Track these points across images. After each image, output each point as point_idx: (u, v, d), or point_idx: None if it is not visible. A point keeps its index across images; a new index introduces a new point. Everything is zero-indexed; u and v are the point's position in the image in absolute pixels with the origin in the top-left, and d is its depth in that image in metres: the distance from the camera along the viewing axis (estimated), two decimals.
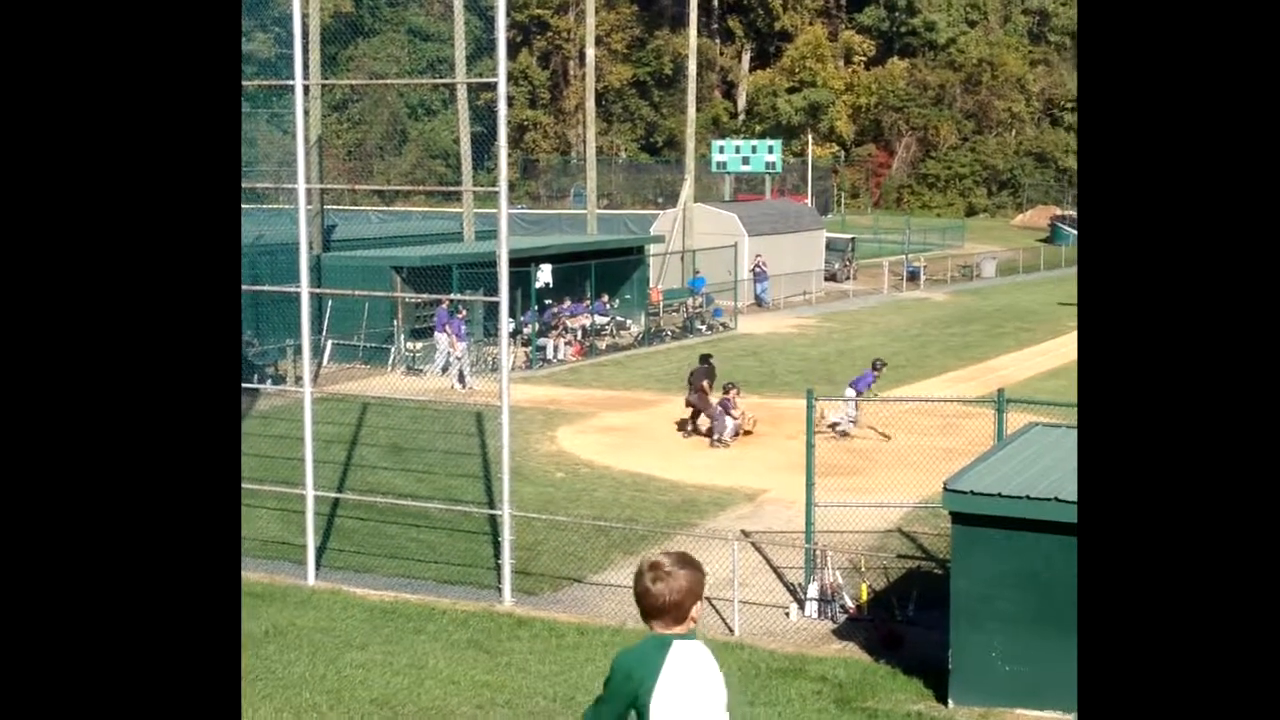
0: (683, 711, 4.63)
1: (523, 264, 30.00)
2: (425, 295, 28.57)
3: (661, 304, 39.35)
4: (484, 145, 36.03)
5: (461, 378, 28.17)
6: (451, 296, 28.19)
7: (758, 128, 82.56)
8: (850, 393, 23.29)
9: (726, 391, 23.70)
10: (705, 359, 25.12)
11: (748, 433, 23.56)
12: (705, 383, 24.25)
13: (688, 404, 24.44)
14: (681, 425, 24.38)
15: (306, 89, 17.62)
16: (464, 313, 29.27)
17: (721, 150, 56.98)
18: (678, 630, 4.68)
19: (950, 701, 12.09)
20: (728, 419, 23.39)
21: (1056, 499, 11.40)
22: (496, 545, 15.88)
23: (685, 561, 4.72)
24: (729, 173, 57.38)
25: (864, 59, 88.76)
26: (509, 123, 16.12)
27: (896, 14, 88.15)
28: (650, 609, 4.67)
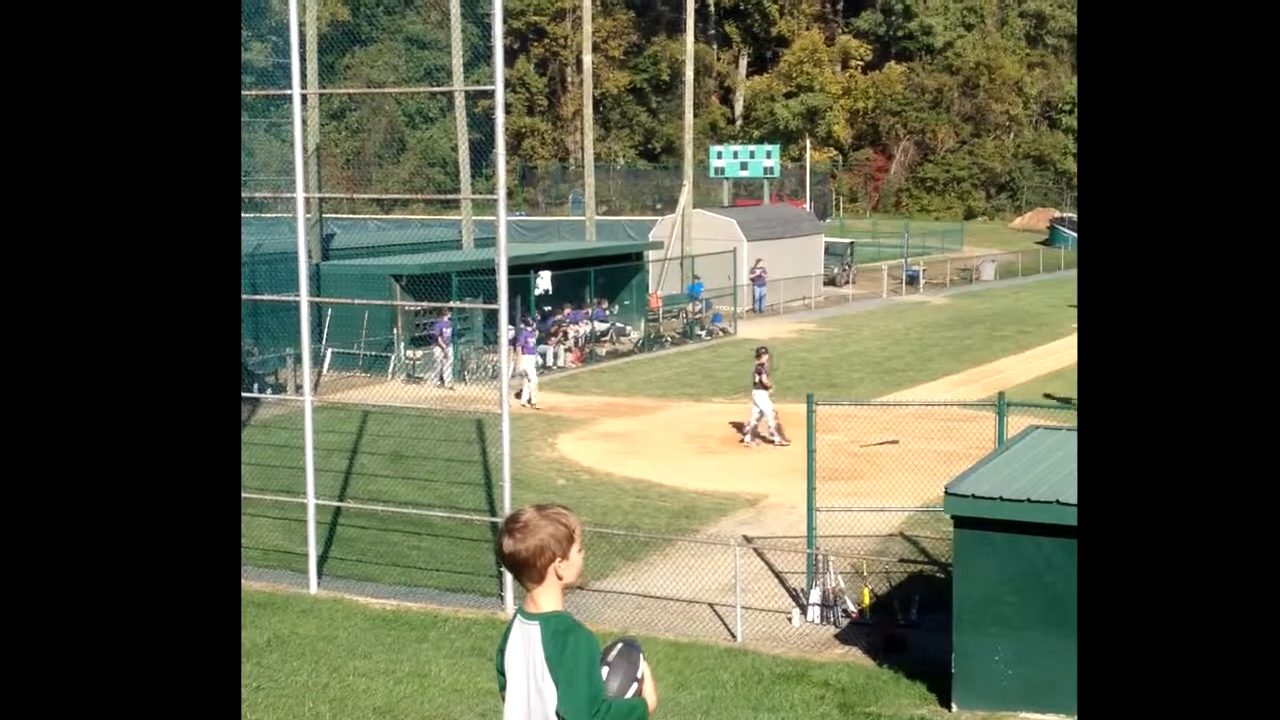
0: (509, 689, 4.52)
1: (522, 271, 30.00)
2: (425, 303, 28.58)
3: (661, 310, 39.37)
4: (482, 152, 36.04)
5: (521, 393, 27.28)
6: (451, 305, 28.19)
7: (755, 133, 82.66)
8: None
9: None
10: None
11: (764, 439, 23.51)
12: None
13: None
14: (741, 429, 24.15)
15: (304, 98, 17.64)
16: (531, 325, 29.30)
17: (719, 156, 57.00)
18: (539, 590, 4.45)
19: (954, 705, 12.07)
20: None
21: (1058, 502, 11.39)
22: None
23: (549, 516, 4.43)
24: (727, 178, 57.40)
25: (861, 63, 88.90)
26: (507, 130, 16.12)
27: (893, 18, 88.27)
28: (507, 566, 4.49)
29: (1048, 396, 25.36)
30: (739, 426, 24.03)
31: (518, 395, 27.14)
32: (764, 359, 23.34)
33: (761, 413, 23.24)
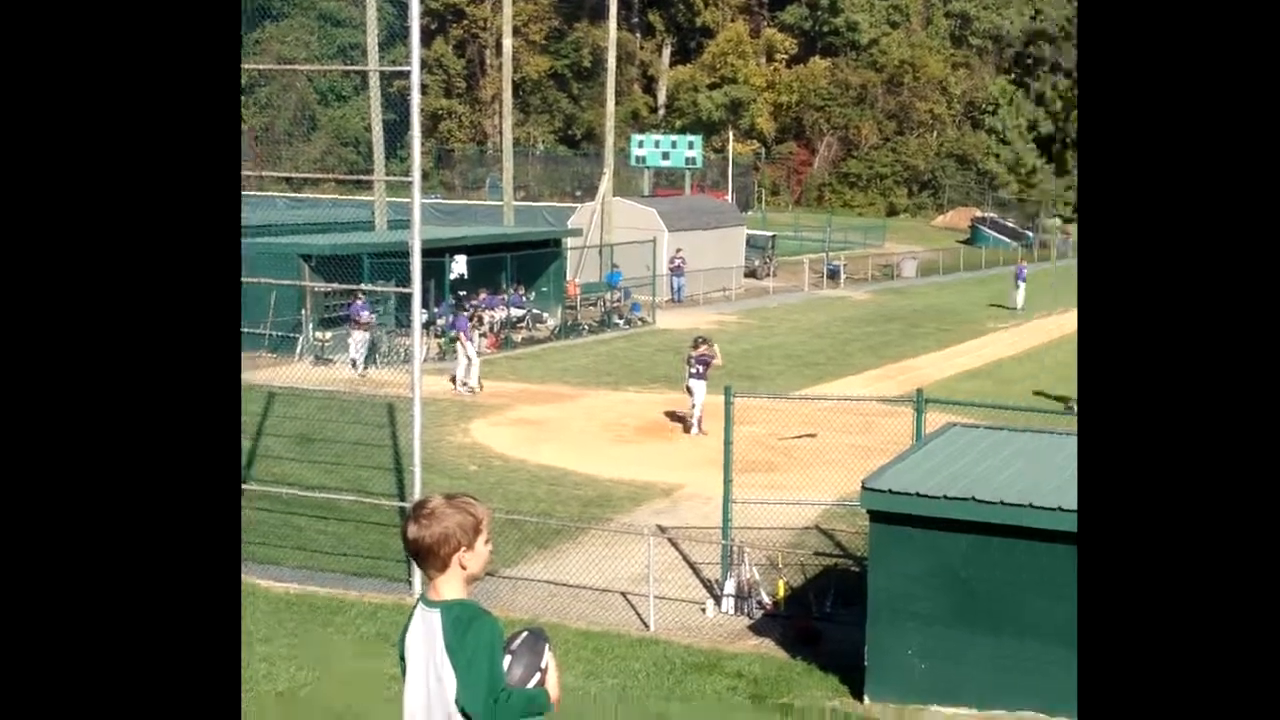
0: (408, 675, 4.48)
1: (437, 254, 29.58)
2: (335, 285, 28.06)
3: (579, 298, 39.11)
4: (397, 133, 35.53)
5: (469, 385, 26.84)
6: (363, 287, 27.70)
7: (678, 123, 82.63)
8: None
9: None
10: None
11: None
12: None
13: None
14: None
15: None
16: (468, 310, 28.88)
17: (641, 144, 56.86)
18: (442, 578, 4.39)
19: (865, 698, 12.00)
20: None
21: (974, 499, 11.33)
22: None
23: (457, 505, 4.41)
24: (648, 167, 57.28)
25: (786, 57, 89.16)
26: (423, 111, 15.78)
27: (819, 13, 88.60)
28: (411, 553, 4.46)
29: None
30: (678, 417, 23.88)
31: (466, 384, 26.79)
32: (704, 349, 23.26)
33: (695, 402, 23.15)
